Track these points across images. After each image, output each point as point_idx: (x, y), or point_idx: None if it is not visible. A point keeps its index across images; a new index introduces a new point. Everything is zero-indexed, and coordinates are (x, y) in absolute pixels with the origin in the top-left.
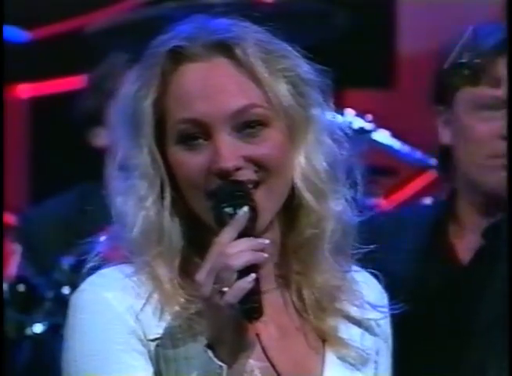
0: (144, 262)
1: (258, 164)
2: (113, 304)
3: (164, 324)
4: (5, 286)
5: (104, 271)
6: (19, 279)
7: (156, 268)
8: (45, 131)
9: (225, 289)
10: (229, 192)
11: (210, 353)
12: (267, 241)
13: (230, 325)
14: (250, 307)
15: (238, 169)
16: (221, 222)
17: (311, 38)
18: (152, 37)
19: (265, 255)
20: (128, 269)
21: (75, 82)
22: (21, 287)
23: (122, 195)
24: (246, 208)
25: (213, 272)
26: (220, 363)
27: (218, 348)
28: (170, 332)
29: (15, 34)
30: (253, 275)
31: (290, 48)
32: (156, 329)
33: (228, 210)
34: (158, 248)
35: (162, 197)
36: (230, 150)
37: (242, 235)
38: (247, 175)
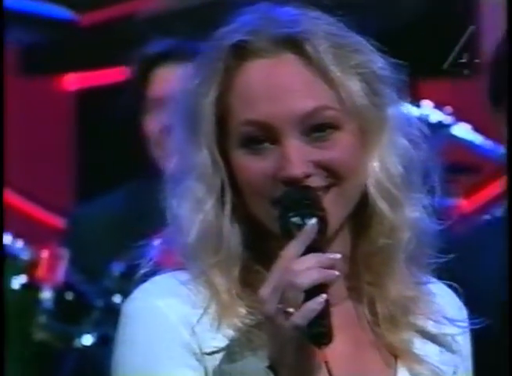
0: (200, 271)
1: (328, 170)
2: (166, 314)
3: (220, 337)
4: (51, 294)
5: (158, 278)
6: (67, 286)
7: (213, 277)
8: (94, 126)
9: (291, 310)
10: (297, 200)
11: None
12: (338, 256)
13: (294, 346)
14: (318, 332)
15: (307, 176)
16: (288, 232)
17: (385, 23)
18: (210, 24)
19: (336, 273)
20: (183, 276)
21: (125, 72)
22: (69, 295)
23: (178, 197)
24: (314, 220)
25: (278, 290)
26: None
27: (279, 369)
28: (227, 345)
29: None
30: (324, 295)
31: (364, 42)
32: (213, 342)
33: (296, 220)
34: (216, 257)
35: (222, 202)
36: (299, 156)
37: (309, 248)
38: (317, 181)
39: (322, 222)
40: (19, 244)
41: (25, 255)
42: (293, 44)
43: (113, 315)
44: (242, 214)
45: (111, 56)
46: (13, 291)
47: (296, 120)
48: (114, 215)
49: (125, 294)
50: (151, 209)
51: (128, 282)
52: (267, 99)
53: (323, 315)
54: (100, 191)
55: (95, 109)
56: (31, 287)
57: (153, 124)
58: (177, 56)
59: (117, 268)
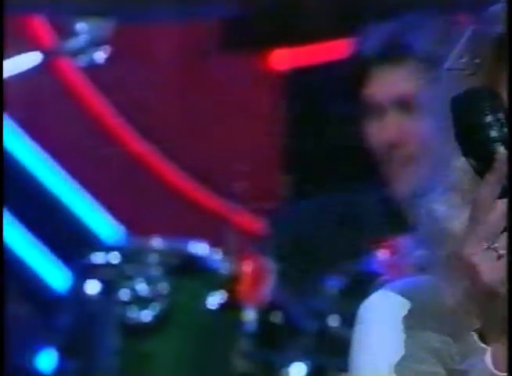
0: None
1: None
2: (409, 318)
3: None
4: (255, 315)
5: (400, 283)
6: (274, 306)
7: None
8: (307, 111)
9: (500, 252)
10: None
11: (475, 337)
12: None
13: (490, 297)
14: None
15: None
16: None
17: None
18: None
19: None
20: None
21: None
22: (275, 317)
23: (427, 209)
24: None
25: (475, 228)
26: (483, 346)
27: (483, 329)
28: (482, 369)
29: None
30: None
31: None
32: (461, 358)
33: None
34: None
35: None
36: None
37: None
38: None
39: None
40: (218, 255)
41: (224, 269)
42: None
43: (328, 341)
44: None
45: (327, 28)
46: (211, 311)
47: None
48: (331, 219)
49: (344, 315)
50: (378, 214)
51: (348, 301)
52: None
53: None
54: (314, 190)
55: (308, 91)
56: (232, 307)
57: (374, 133)
58: (395, 56)
59: (334, 283)
